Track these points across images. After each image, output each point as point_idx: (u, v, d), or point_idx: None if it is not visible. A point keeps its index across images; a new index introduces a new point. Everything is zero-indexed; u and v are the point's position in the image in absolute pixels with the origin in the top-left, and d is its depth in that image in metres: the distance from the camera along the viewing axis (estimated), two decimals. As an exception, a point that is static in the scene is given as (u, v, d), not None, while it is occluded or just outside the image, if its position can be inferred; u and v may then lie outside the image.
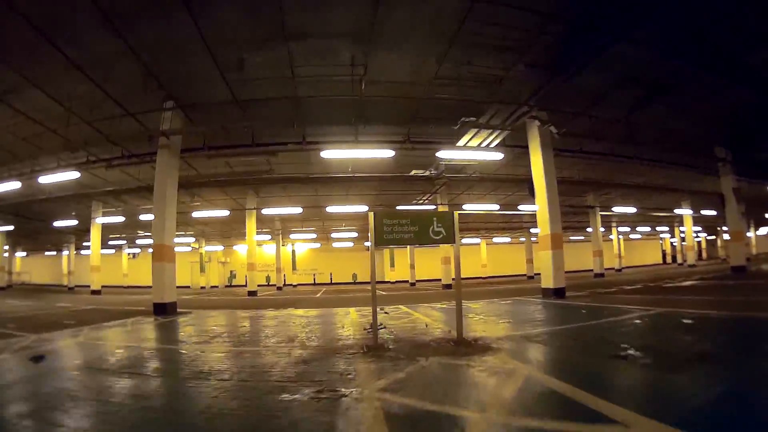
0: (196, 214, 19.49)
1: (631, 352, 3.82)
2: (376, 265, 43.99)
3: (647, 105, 10.99)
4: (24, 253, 37.19)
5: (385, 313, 8.60)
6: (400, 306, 10.54)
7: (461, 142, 11.41)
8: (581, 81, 8.99)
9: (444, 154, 11.55)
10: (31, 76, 8.36)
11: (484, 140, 11.54)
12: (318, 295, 19.19)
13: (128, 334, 6.59)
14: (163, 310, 9.68)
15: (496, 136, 11.33)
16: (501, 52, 8.43)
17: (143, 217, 19.49)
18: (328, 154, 10.97)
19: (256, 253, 20.45)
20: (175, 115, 10.20)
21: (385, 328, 5.97)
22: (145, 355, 4.76)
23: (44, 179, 11.33)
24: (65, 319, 8.83)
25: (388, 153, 11.26)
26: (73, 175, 11.19)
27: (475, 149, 11.56)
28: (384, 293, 19.37)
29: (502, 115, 10.30)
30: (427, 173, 13.81)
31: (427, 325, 6.29)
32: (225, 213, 19.21)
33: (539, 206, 11.26)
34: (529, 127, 11.60)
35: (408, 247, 31.06)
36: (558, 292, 10.47)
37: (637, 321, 6.05)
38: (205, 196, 18.65)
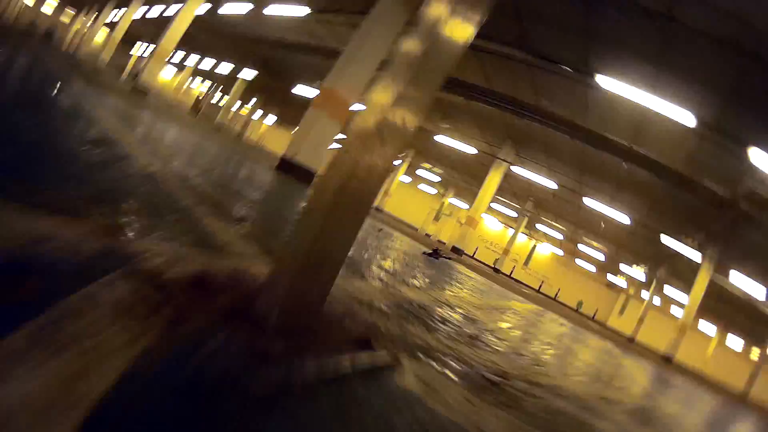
0: (438, 138, 18.01)
1: None
2: (605, 304, 34.35)
3: None
4: (274, 118, 37.92)
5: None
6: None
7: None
8: None
9: (761, 157, 6.96)
10: None
11: None
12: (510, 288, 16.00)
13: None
14: (286, 169, 7.22)
15: None
16: None
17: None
18: (605, 81, 8.48)
19: (482, 217, 18.92)
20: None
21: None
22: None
23: (270, 10, 11.36)
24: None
25: (687, 117, 7.87)
26: (303, 10, 10.89)
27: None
28: (590, 335, 14.50)
29: None
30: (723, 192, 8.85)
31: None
32: (471, 150, 17.55)
33: None
34: None
35: (646, 300, 22.88)
36: None
37: None
38: (455, 123, 16.87)
